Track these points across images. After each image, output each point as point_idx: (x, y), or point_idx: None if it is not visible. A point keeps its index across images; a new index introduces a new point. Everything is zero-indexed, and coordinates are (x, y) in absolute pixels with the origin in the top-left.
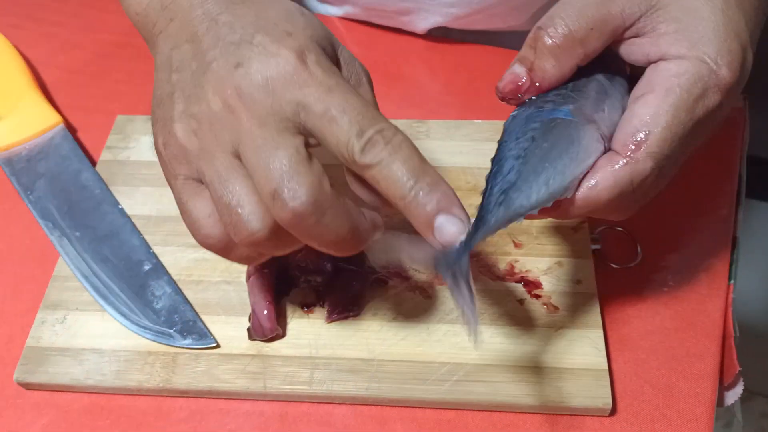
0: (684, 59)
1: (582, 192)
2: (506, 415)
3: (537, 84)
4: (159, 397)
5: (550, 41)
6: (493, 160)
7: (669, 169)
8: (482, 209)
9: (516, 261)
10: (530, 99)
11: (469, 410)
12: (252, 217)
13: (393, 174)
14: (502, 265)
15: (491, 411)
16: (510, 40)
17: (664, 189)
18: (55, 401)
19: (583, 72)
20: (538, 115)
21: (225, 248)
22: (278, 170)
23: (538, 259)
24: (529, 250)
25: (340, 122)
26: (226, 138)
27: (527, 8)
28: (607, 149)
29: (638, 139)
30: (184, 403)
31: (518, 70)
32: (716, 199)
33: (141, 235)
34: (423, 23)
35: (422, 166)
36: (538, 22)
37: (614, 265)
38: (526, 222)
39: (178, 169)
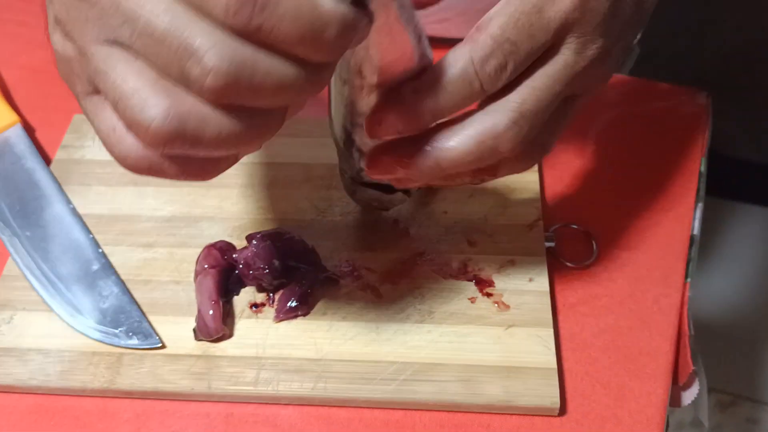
0: None
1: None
2: (454, 415)
3: None
4: (104, 398)
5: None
6: None
7: (514, 62)
8: None
9: (469, 259)
10: None
11: (417, 410)
12: (149, 101)
13: None
14: (455, 264)
15: (439, 411)
16: None
17: (623, 186)
18: None
19: None
20: None
21: (149, 164)
22: (177, 38)
23: (491, 257)
24: (482, 249)
25: None
26: (94, 29)
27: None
28: None
29: (481, 25)
30: (129, 404)
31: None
32: (675, 197)
33: (91, 234)
34: None
35: None
36: None
37: (569, 264)
38: (480, 221)
39: (76, 87)
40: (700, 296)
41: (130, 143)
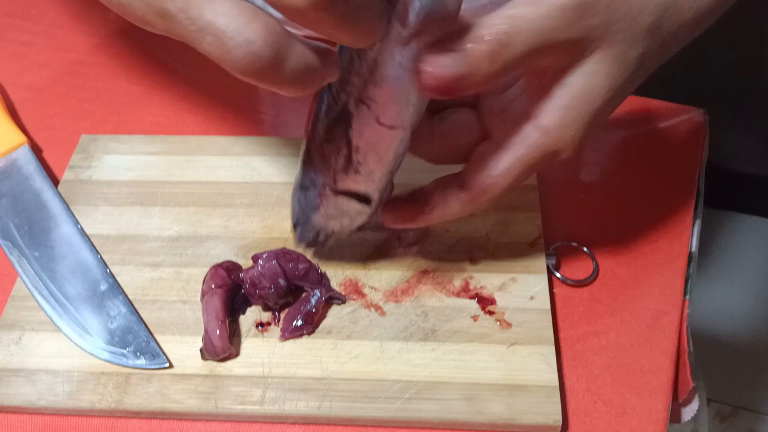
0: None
1: None
2: None
3: None
4: (112, 418)
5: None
6: None
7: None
8: None
9: (471, 277)
10: None
11: (422, 428)
12: None
13: None
14: (457, 282)
15: (443, 429)
16: None
17: (622, 203)
18: (8, 422)
19: None
20: None
21: (277, 54)
22: None
23: (493, 275)
24: (484, 266)
25: None
26: None
27: None
28: None
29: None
30: (137, 424)
31: (461, 70)
32: (673, 214)
33: (99, 254)
34: None
35: None
36: None
37: (570, 281)
38: (482, 238)
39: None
40: (701, 307)
41: (260, 26)
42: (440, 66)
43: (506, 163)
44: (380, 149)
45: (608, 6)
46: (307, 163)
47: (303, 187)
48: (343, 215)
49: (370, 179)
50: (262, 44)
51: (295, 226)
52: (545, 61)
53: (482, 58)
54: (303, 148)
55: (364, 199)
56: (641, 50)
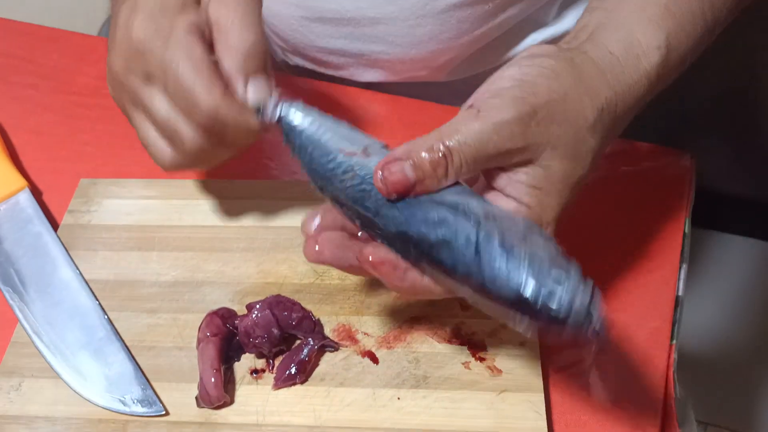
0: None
1: None
2: None
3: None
4: None
5: (447, 178)
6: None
7: None
8: None
9: (462, 323)
10: None
11: None
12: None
13: None
14: (449, 328)
15: None
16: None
17: (609, 247)
18: None
19: None
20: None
21: (179, 165)
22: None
23: (483, 321)
24: (475, 312)
25: None
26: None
27: (445, 68)
28: None
29: None
30: None
31: (410, 175)
32: (659, 258)
33: (97, 300)
34: (363, 76)
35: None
36: (443, 145)
37: None
38: None
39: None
40: (692, 328)
41: (165, 152)
42: (395, 173)
43: None
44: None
45: (547, 116)
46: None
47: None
48: None
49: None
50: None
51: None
52: (496, 164)
53: (431, 168)
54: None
55: None
56: (592, 144)
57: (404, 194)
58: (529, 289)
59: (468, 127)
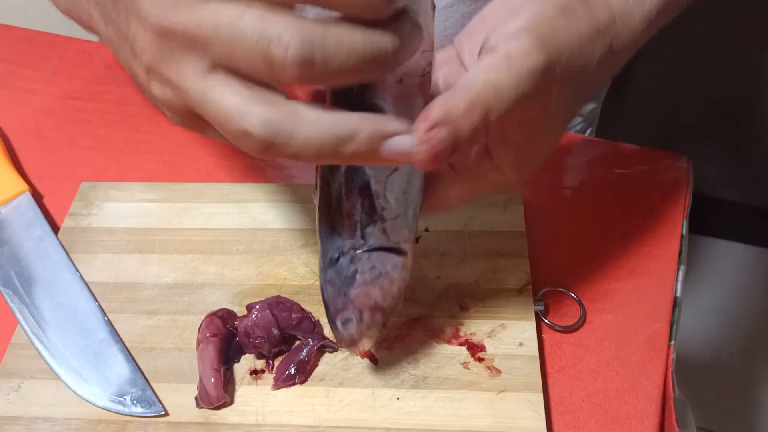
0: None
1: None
2: None
3: None
4: None
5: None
6: None
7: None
8: None
9: (461, 324)
10: None
11: None
12: (247, 111)
13: None
14: (448, 329)
15: None
16: None
17: (607, 249)
18: None
19: None
20: None
21: (278, 134)
22: (257, 32)
23: (482, 322)
24: (473, 313)
25: None
26: (188, 64)
27: None
28: None
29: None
30: None
31: (453, 143)
32: (659, 260)
33: (97, 302)
34: None
35: None
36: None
37: (557, 327)
38: (472, 285)
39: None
40: (688, 333)
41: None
42: (441, 142)
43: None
44: (401, 185)
45: (569, 59)
46: (328, 232)
47: (331, 262)
48: (381, 277)
49: (398, 224)
50: (261, 128)
51: (332, 321)
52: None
53: (468, 126)
54: (317, 225)
55: (396, 251)
56: (586, 89)
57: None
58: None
59: (502, 78)
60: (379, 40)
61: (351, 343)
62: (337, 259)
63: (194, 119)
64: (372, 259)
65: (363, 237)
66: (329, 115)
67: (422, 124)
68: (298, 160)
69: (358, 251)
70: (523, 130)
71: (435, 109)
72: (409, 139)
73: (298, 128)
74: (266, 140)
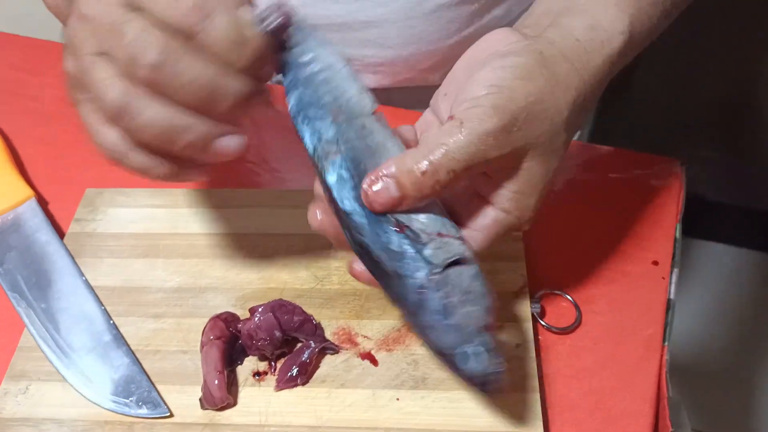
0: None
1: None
2: None
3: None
4: None
5: (434, 194)
6: None
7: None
8: None
9: None
10: None
11: None
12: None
13: None
14: None
15: None
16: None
17: (603, 252)
18: None
19: None
20: None
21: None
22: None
23: None
24: None
25: None
26: (89, 43)
27: (436, 69)
28: None
29: None
30: None
31: (395, 194)
32: (652, 263)
33: (103, 306)
34: None
35: None
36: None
37: (554, 328)
38: None
39: (76, 95)
40: (683, 334)
41: (109, 137)
42: (381, 192)
43: (482, 240)
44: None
45: (526, 120)
46: (392, 277)
47: (417, 305)
48: (468, 292)
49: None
50: (117, 96)
51: (458, 367)
52: (481, 170)
53: (417, 184)
54: (384, 290)
55: (461, 261)
56: (565, 137)
57: (391, 210)
58: (449, 350)
59: (454, 140)
60: (225, 81)
61: (495, 378)
62: (420, 296)
63: (82, 94)
64: (449, 278)
65: (427, 261)
66: (174, 109)
67: (371, 175)
68: (142, 139)
69: (434, 276)
70: (507, 176)
71: (386, 164)
72: (237, 140)
73: (148, 108)
74: (119, 106)
